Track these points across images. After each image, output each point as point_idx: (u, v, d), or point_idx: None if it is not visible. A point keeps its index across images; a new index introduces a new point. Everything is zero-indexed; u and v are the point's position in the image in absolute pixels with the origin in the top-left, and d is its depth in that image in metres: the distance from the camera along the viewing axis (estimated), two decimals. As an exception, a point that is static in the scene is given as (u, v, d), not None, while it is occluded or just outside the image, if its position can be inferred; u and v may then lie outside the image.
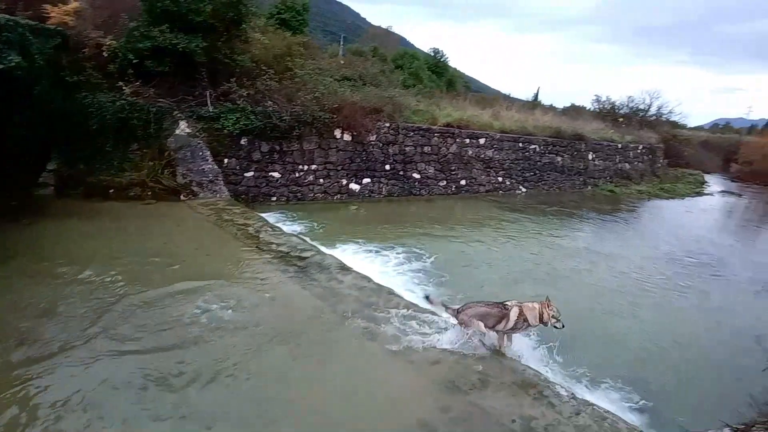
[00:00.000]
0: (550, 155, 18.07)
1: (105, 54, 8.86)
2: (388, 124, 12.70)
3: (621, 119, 27.22)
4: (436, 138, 13.94)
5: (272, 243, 7.15)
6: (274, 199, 10.75)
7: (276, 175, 10.72)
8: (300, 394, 3.66)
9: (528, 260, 9.26)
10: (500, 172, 16.04)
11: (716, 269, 9.81)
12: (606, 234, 12.48)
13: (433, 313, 5.39)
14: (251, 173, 10.34)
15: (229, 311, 4.82)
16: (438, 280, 7.37)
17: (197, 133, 9.41)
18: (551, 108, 29.67)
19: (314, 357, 4.17)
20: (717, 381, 5.20)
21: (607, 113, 27.98)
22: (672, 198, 20.34)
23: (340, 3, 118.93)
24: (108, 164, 8.57)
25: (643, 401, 4.62)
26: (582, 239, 11.55)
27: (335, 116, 11.21)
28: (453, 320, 4.79)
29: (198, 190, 8.98)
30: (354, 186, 12.14)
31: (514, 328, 4.55)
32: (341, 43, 32.12)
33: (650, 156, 24.75)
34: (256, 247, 6.94)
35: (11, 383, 3.42)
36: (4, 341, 3.95)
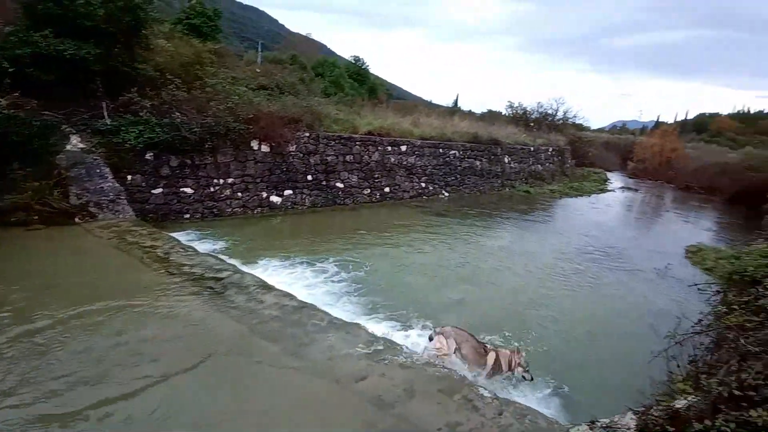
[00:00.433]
0: (470, 160, 18.81)
1: (-25, 62, 7.75)
2: (308, 134, 12.43)
3: (532, 124, 29.14)
4: (357, 146, 13.90)
5: (184, 265, 6.61)
6: (188, 216, 10.02)
7: (188, 190, 10.01)
8: (216, 423, 3.41)
9: (455, 261, 9.56)
10: (423, 178, 16.39)
11: (620, 260, 10.76)
12: (524, 232, 13.18)
13: (359, 326, 5.31)
14: (160, 190, 9.55)
15: (133, 343, 4.37)
16: (368, 289, 7.34)
17: (93, 149, 8.50)
18: (470, 114, 31.11)
19: (231, 384, 3.89)
20: (624, 367, 5.60)
21: (520, 118, 29.76)
22: (580, 195, 22.05)
23: (257, 9, 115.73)
24: (-20, 186, 7.46)
25: (558, 390, 4.91)
26: (503, 238, 12.12)
27: (251, 127, 10.73)
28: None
29: (96, 211, 8.10)
30: (275, 198, 11.71)
31: (491, 372, 4.74)
32: (259, 50, 31.22)
33: (559, 157, 26.72)
34: (166, 270, 6.38)
35: None
36: None
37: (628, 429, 3.25)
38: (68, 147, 8.30)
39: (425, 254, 9.90)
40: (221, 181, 10.58)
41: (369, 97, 25.86)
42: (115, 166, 8.79)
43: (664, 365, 3.70)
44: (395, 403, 3.74)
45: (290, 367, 4.20)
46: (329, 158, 13.05)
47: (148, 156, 9.30)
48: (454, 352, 4.89)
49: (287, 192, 11.98)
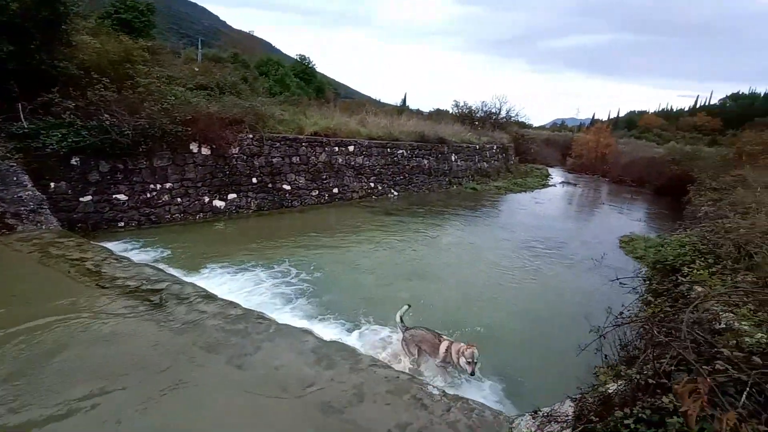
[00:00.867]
0: (417, 159, 19.03)
1: None
2: (251, 136, 12.05)
3: (477, 122, 29.97)
4: (304, 147, 13.66)
5: (118, 277, 6.20)
6: (122, 224, 9.43)
7: (122, 197, 9.41)
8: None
9: (405, 259, 9.68)
10: (372, 178, 16.40)
11: (561, 252, 11.27)
12: (472, 228, 13.52)
13: (308, 331, 5.24)
14: (89, 197, 8.90)
15: (60, 363, 4.05)
16: (318, 291, 7.26)
17: (9, 154, 7.77)
18: (417, 112, 31.54)
19: (171, 400, 3.68)
20: (565, 356, 5.86)
21: (466, 117, 30.52)
22: (524, 191, 22.90)
23: (196, 5, 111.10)
24: None
25: (504, 383, 5.06)
26: (452, 234, 12.39)
27: (190, 129, 10.24)
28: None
29: (15, 223, 7.43)
30: (218, 203, 11.27)
31: (444, 362, 4.84)
32: (198, 47, 29.97)
33: (504, 154, 27.65)
34: (96, 284, 5.95)
35: None
36: None
37: (567, 416, 3.40)
38: (-22, 153, 7.56)
39: (375, 253, 9.92)
40: (158, 186, 10.03)
41: (316, 97, 25.57)
42: (36, 173, 8.09)
43: (598, 354, 3.90)
44: (344, 408, 3.71)
45: (234, 379, 4.05)
46: (275, 160, 12.74)
47: (74, 161, 8.63)
48: (419, 353, 5.12)
49: (231, 196, 11.57)
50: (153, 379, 3.94)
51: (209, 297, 5.83)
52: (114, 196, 9.29)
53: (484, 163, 24.55)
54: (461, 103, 31.84)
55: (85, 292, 5.65)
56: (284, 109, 15.08)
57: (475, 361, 4.54)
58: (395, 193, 17.35)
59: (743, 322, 3.43)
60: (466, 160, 22.65)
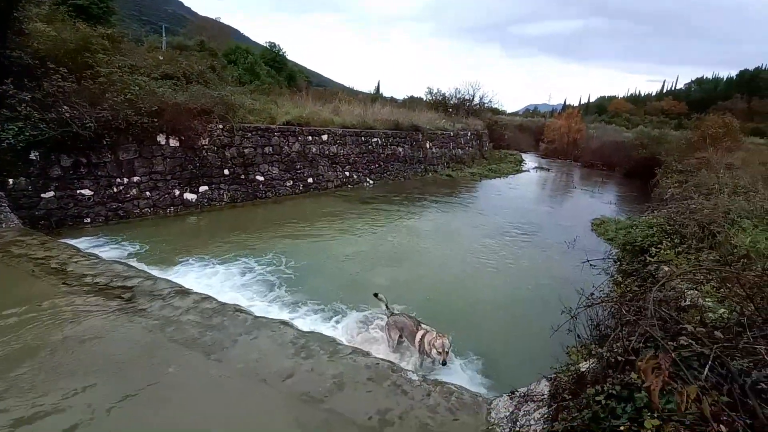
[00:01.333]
0: (392, 147, 18.97)
1: None
2: (221, 126, 11.74)
3: (451, 109, 30.03)
4: (276, 137, 13.42)
5: (86, 275, 6.01)
6: (89, 221, 9.08)
7: (87, 192, 9.05)
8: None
9: (382, 246, 9.74)
10: (347, 167, 16.28)
11: (536, 236, 11.51)
12: (449, 214, 13.63)
13: (286, 323, 5.21)
14: (51, 193, 8.52)
15: (28, 368, 3.90)
16: (295, 282, 7.22)
17: (-39, 150, 7.38)
18: (391, 100, 31.38)
19: (148, 397, 3.63)
20: (538, 338, 6.00)
21: (440, 104, 30.54)
22: (498, 177, 23.18)
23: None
24: None
25: (482, 365, 5.16)
26: (429, 221, 12.49)
27: (156, 120, 9.88)
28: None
29: (-29, 223, 7.08)
30: (190, 196, 10.98)
31: (419, 351, 4.89)
32: (163, 35, 28.94)
33: (478, 141, 27.83)
34: (63, 283, 5.74)
35: None
36: None
37: (543, 395, 3.48)
38: (-72, 149, 7.13)
39: (353, 241, 9.93)
40: (125, 180, 9.69)
41: (288, 85, 25.11)
42: (-9, 170, 7.70)
43: (571, 334, 4.00)
44: (325, 397, 3.73)
45: (212, 373, 4.01)
46: (247, 151, 12.48)
47: (33, 156, 8.22)
48: (400, 339, 5.20)
49: (203, 188, 11.29)
50: (128, 377, 3.87)
51: (183, 292, 5.73)
52: (78, 191, 8.92)
53: (459, 150, 24.67)
54: (435, 90, 31.83)
55: (51, 291, 5.45)
56: (255, 98, 14.74)
57: (447, 350, 4.60)
58: (371, 182, 17.28)
59: (707, 299, 3.58)
60: (440, 147, 22.72)
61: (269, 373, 4.01)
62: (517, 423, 3.22)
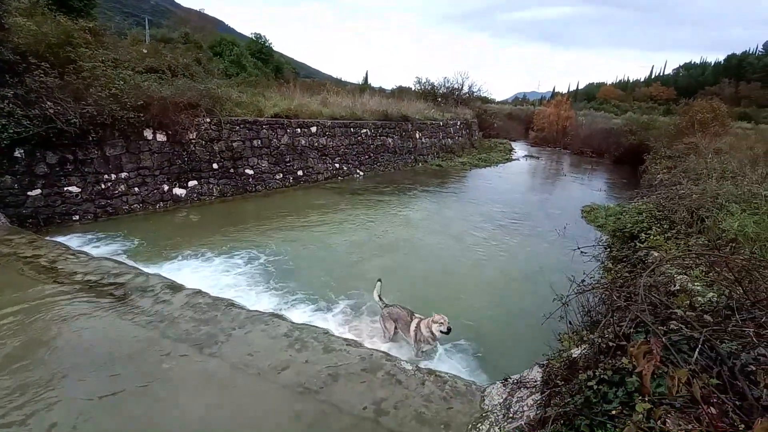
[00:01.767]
0: (382, 137, 18.89)
1: None
2: (209, 120, 11.60)
3: (440, 99, 29.90)
4: (265, 130, 13.29)
5: (77, 272, 5.97)
6: (77, 218, 8.96)
7: (74, 189, 8.92)
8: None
9: (375, 237, 9.74)
10: (336, 159, 16.20)
11: (527, 224, 11.58)
12: (440, 204, 13.64)
13: (280, 316, 5.21)
14: (38, 191, 8.38)
15: (21, 367, 3.87)
16: (288, 274, 7.20)
17: (-58, 149, 7.22)
18: (380, 90, 31.15)
19: (142, 393, 3.62)
20: (531, 325, 6.06)
21: (429, 93, 30.34)
22: (488, 166, 23.20)
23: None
24: None
25: (475, 353, 5.20)
26: (420, 211, 12.50)
27: (142, 115, 9.72)
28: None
29: (-44, 222, 6.95)
30: (179, 191, 10.87)
31: (415, 340, 4.96)
32: (146, 27, 28.39)
33: (468, 130, 27.79)
34: (54, 281, 5.68)
35: None
36: None
37: (536, 381, 3.52)
38: None
39: (346, 232, 9.93)
40: (113, 176, 9.56)
41: (275, 77, 24.82)
42: (-26, 168, 7.55)
43: (563, 321, 4.04)
44: (320, 388, 3.74)
45: (207, 367, 4.01)
46: (235, 144, 12.35)
47: (18, 153, 8.07)
48: (395, 330, 5.24)
49: (192, 183, 11.18)
50: (122, 374, 3.86)
51: (175, 287, 5.71)
52: (65, 188, 8.79)
53: (449, 140, 24.64)
54: (424, 80, 31.62)
55: (42, 290, 5.39)
56: (242, 90, 14.53)
57: (446, 320, 4.78)
58: (361, 173, 17.23)
59: (696, 283, 3.63)
60: (430, 137, 22.66)
61: (264, 367, 4.02)
62: (511, 409, 3.26)
